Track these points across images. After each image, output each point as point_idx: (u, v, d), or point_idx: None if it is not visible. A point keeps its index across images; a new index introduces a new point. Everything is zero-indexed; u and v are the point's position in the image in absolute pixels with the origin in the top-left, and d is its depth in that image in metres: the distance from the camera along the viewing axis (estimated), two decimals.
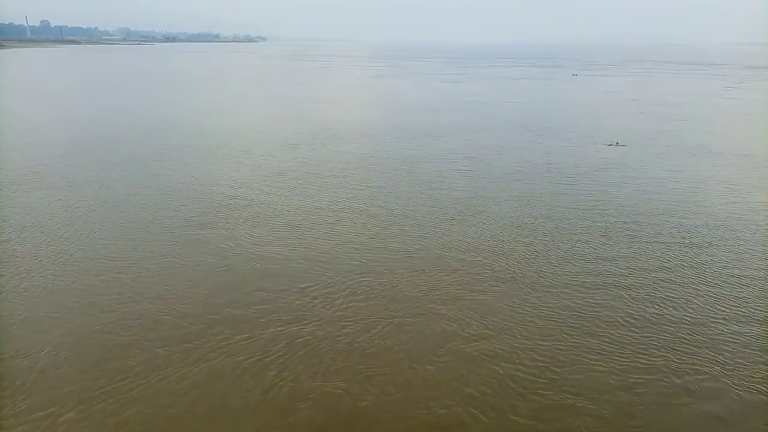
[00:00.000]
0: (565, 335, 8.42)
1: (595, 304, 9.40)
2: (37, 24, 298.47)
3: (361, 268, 10.66)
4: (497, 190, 16.27)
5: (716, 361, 7.83)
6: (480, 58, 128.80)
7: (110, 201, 14.52)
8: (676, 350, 8.05)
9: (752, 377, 7.49)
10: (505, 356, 7.88)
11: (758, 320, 8.95)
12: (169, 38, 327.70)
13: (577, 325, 8.70)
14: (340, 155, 20.73)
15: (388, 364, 7.69)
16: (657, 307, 9.31)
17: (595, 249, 11.80)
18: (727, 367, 7.69)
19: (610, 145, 23.14)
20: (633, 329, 8.60)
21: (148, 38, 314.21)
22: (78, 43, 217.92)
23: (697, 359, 7.85)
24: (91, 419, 6.50)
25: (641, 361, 7.78)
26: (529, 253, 11.53)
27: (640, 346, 8.12)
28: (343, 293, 9.66)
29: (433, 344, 8.15)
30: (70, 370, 7.36)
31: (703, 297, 9.72)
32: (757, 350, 8.10)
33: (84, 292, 9.44)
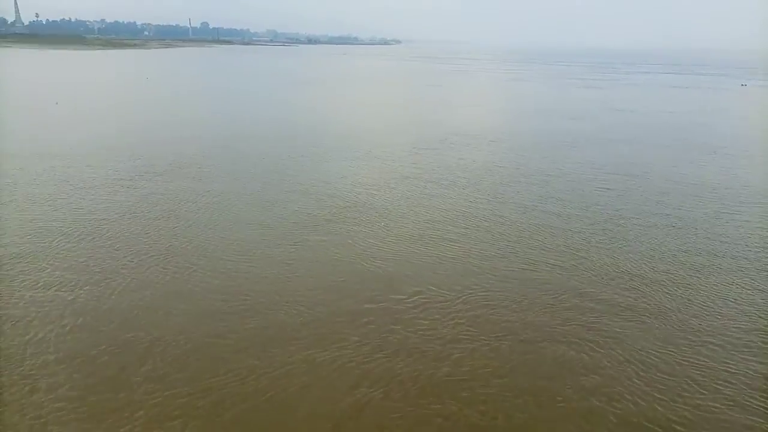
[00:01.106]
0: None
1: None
2: (198, 26, 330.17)
3: (471, 292, 9.66)
4: (642, 213, 14.29)
5: None
6: (621, 63, 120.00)
7: (242, 195, 14.83)
8: None
9: None
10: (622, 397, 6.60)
11: None
12: (311, 40, 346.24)
13: None
14: (468, 162, 19.71)
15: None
16: None
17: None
18: None
19: None
20: None
21: (292, 40, 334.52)
22: (231, 43, 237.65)
23: None
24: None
25: None
26: (677, 292, 9.76)
27: None
28: (456, 311, 8.76)
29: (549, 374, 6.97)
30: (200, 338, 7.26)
31: None
32: None
33: (204, 282, 9.48)
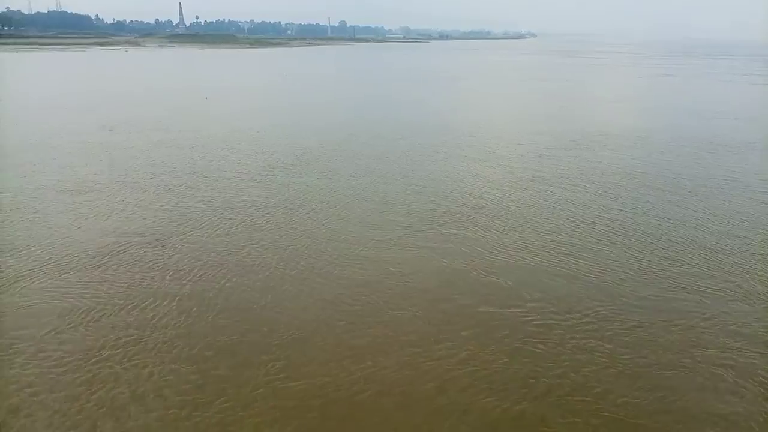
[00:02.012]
0: None
1: None
2: (336, 24, 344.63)
3: (599, 314, 8.63)
4: None
5: None
6: None
7: (358, 193, 14.88)
8: None
9: None
10: None
11: None
12: (443, 36, 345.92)
13: None
14: (606, 166, 18.12)
15: None
16: None
17: None
18: None
19: None
20: None
21: (424, 36, 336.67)
22: (366, 41, 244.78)
23: None
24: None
25: None
26: None
27: None
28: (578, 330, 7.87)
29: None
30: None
31: None
32: None
33: (315, 284, 9.52)
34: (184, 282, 9.54)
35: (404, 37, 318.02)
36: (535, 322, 8.50)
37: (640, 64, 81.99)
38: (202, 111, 30.44)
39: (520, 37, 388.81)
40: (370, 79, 57.19)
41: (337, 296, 9.15)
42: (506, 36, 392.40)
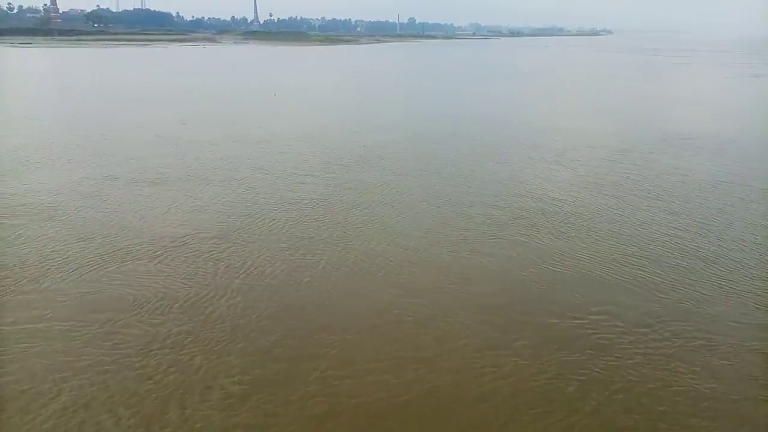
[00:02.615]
0: None
1: None
2: (405, 21, 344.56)
3: (673, 335, 7.99)
4: None
5: None
6: None
7: (422, 193, 14.61)
8: None
9: None
10: None
11: None
12: (514, 32, 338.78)
13: None
14: (684, 172, 16.97)
15: None
16: None
17: None
18: None
19: None
20: None
21: (494, 32, 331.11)
22: (435, 37, 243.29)
23: None
24: None
25: None
26: None
27: None
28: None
29: None
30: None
31: None
32: None
33: (375, 284, 9.39)
34: (239, 277, 9.66)
35: (473, 34, 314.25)
36: (594, 336, 8.02)
37: (728, 63, 76.83)
38: (270, 107, 31.11)
39: (596, 33, 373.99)
40: (436, 75, 56.64)
41: (388, 301, 8.99)
42: (580, 33, 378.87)
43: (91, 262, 10.13)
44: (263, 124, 24.68)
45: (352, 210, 13.25)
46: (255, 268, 10.01)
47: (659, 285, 9.61)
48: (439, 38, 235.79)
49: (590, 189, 15.17)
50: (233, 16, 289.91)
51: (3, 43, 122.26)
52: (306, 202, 13.78)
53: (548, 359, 7.50)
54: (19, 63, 68.95)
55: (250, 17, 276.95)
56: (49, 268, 9.83)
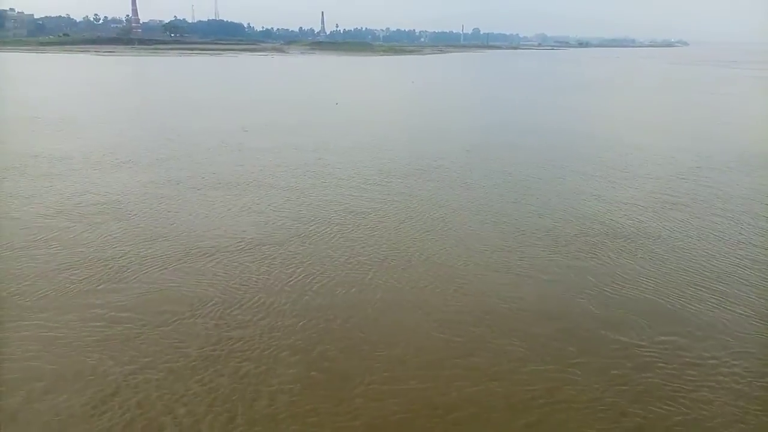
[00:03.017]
0: None
1: None
2: (469, 32, 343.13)
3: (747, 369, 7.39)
4: None
5: None
6: None
7: (475, 205, 14.38)
8: None
9: None
10: None
11: None
12: (582, 43, 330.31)
13: None
14: (759, 196, 15.86)
15: None
16: None
17: None
18: None
19: None
20: None
21: (561, 43, 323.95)
22: (499, 48, 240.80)
23: None
24: None
25: None
26: None
27: None
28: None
29: None
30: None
31: None
32: None
33: (433, 297, 9.27)
34: (291, 285, 9.75)
35: (539, 44, 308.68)
36: (659, 366, 7.54)
37: None
38: (331, 116, 31.60)
39: (669, 45, 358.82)
40: (498, 85, 55.92)
41: (436, 318, 8.82)
42: (653, 44, 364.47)
43: (152, 262, 10.54)
44: (323, 133, 25.09)
45: (404, 222, 13.18)
46: (306, 277, 10.10)
47: (730, 318, 8.98)
48: (503, 48, 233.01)
49: (655, 209, 14.43)
50: (301, 27, 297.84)
51: (88, 51, 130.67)
52: (360, 211, 13.83)
53: (606, 388, 7.14)
54: (99, 71, 73.49)
55: (317, 28, 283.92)
56: (113, 267, 10.28)
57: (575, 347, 8.02)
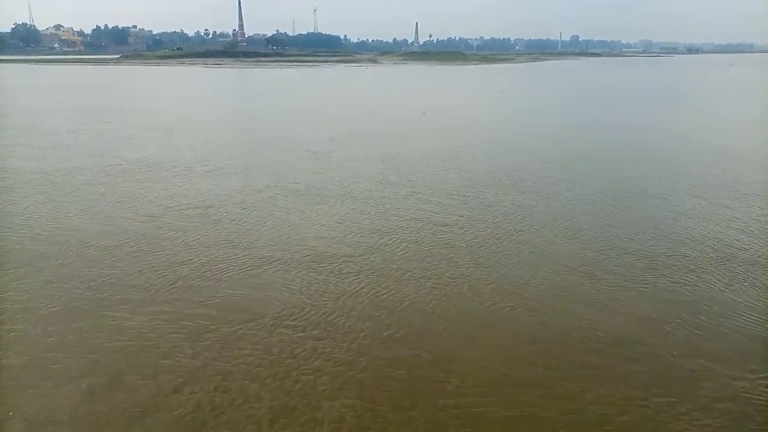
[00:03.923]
0: None
1: None
2: (567, 39, 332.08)
3: None
4: None
5: None
6: None
7: (565, 222, 13.58)
8: None
9: None
10: None
11: None
12: (691, 50, 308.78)
13: None
14: None
15: None
16: None
17: None
18: None
19: None
20: None
21: (668, 50, 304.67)
22: (599, 55, 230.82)
23: None
24: None
25: None
26: None
27: None
28: None
29: None
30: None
31: None
32: None
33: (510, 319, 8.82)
34: (369, 296, 9.63)
35: (643, 51, 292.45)
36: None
37: None
38: (417, 126, 31.56)
39: None
40: (593, 94, 53.28)
41: (513, 345, 8.30)
42: None
43: (234, 266, 10.86)
44: (407, 143, 25.06)
45: (496, 230, 12.72)
46: (383, 288, 9.95)
47: None
48: (603, 56, 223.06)
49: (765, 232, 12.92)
50: (395, 38, 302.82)
51: (198, 64, 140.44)
52: (437, 224, 13.53)
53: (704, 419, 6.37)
54: (205, 82, 78.64)
55: (411, 38, 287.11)
56: (200, 270, 10.70)
57: (666, 392, 7.23)
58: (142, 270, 10.67)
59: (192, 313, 9.03)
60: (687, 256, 11.48)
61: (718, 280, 10.36)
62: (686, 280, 10.36)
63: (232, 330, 8.51)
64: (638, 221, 13.84)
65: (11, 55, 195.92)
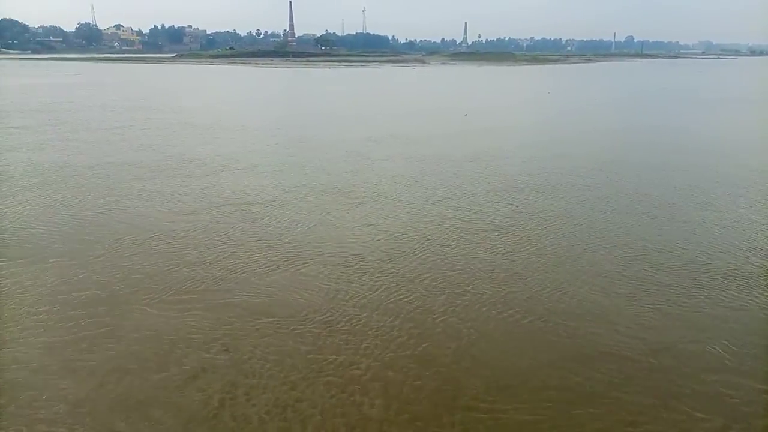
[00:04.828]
0: None
1: None
2: (622, 40, 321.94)
3: None
4: None
5: None
6: None
7: (612, 232, 13.13)
8: None
9: None
10: None
11: None
12: (755, 51, 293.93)
13: None
14: None
15: None
16: None
17: None
18: None
19: None
20: None
21: (729, 51, 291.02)
22: (655, 57, 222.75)
23: None
24: None
25: None
26: None
27: None
28: None
29: None
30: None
31: None
32: None
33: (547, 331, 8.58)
34: (404, 308, 9.53)
35: (703, 53, 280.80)
36: None
37: None
38: (459, 127, 31.26)
39: None
40: (646, 96, 51.37)
41: (559, 363, 8.00)
42: None
43: (267, 265, 10.95)
44: (447, 145, 24.83)
45: (512, 244, 12.38)
46: (412, 291, 9.84)
47: None
48: (659, 57, 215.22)
49: None
50: (443, 38, 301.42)
51: (249, 63, 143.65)
52: (471, 227, 13.29)
53: None
54: (255, 81, 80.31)
55: (459, 38, 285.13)
56: (231, 267, 10.87)
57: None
58: (176, 265, 10.93)
59: (220, 308, 9.18)
60: (743, 275, 10.87)
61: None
62: (740, 298, 9.80)
63: (263, 326, 8.60)
64: (684, 235, 13.21)
65: (75, 53, 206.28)
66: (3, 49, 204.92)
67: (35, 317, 8.80)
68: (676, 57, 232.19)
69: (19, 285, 9.92)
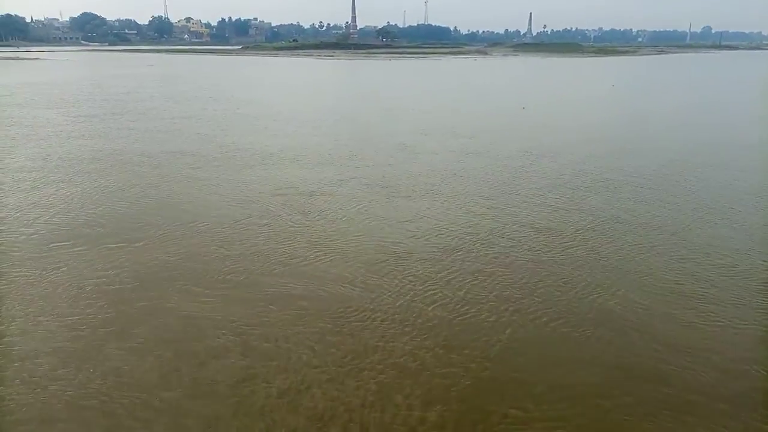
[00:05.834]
0: None
1: None
2: (698, 30, 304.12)
3: None
4: None
5: None
6: None
7: (674, 237, 12.40)
8: None
9: None
10: None
11: None
12: None
13: None
14: None
15: None
16: None
17: None
18: None
19: None
20: None
21: None
22: (735, 48, 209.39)
23: None
24: None
25: None
26: None
27: None
28: None
29: None
30: None
31: None
32: None
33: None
34: (437, 304, 9.37)
35: None
36: None
37: None
38: (514, 121, 30.56)
39: None
40: (717, 91, 48.26)
41: (604, 374, 7.68)
42: None
43: (308, 260, 11.02)
44: (500, 139, 24.30)
45: (563, 246, 11.90)
46: (454, 292, 9.62)
47: None
48: (739, 48, 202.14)
49: None
50: (506, 29, 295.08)
51: (312, 55, 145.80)
52: (529, 228, 12.84)
53: None
54: (316, 73, 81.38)
55: (523, 29, 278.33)
56: (276, 259, 11.01)
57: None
58: (221, 254, 11.18)
59: (265, 299, 9.33)
60: None
61: None
62: None
63: (305, 318, 8.67)
64: (744, 238, 12.32)
65: (147, 45, 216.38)
66: (83, 42, 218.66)
67: (85, 299, 9.25)
68: (757, 48, 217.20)
69: (71, 267, 10.47)
